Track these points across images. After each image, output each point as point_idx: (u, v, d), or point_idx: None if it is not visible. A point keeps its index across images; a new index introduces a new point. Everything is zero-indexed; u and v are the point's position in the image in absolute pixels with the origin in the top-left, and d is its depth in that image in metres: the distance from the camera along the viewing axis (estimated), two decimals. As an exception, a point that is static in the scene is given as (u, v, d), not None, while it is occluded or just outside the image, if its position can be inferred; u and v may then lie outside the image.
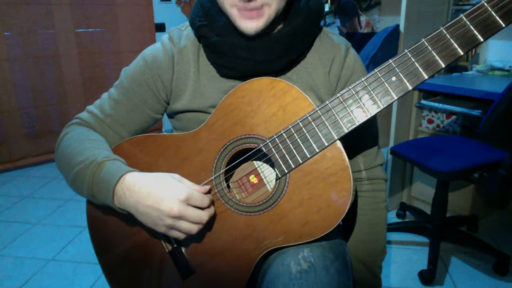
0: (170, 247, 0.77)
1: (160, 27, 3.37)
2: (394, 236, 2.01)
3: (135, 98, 0.81)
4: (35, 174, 2.89)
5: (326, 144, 0.67)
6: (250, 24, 0.70)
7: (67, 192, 2.58)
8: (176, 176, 0.70)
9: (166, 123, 3.51)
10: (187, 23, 0.83)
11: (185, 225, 0.66)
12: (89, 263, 1.85)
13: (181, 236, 0.68)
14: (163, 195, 0.65)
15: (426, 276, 1.67)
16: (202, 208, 0.68)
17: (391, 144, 2.11)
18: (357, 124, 0.66)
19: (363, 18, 2.66)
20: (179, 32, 0.82)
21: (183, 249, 0.76)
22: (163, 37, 0.83)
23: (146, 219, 0.67)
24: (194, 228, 0.67)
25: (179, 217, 0.65)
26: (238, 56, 0.74)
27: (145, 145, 0.79)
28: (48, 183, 2.75)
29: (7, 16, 2.73)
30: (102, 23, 3.13)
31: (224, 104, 0.73)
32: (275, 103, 0.70)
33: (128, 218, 0.73)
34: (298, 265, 0.67)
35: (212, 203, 0.70)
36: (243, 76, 0.76)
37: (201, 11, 0.78)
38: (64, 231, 2.14)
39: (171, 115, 0.86)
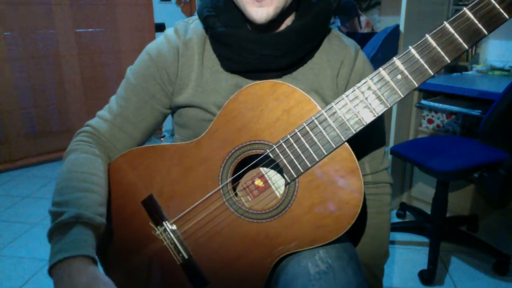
0: (181, 260, 0.75)
1: (160, 27, 3.36)
2: (394, 236, 2.01)
3: (143, 94, 0.80)
4: (35, 174, 2.89)
5: (334, 147, 0.66)
6: (260, 11, 0.69)
7: (67, 192, 2.57)
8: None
9: (166, 123, 3.51)
10: (194, 17, 0.82)
11: None
12: (89, 263, 1.85)
13: None
14: None
15: (426, 276, 1.67)
16: None
17: (391, 144, 2.11)
18: (365, 124, 0.65)
19: (363, 18, 2.66)
20: (186, 25, 0.81)
21: (195, 261, 0.74)
22: (168, 29, 0.81)
23: None
24: None
25: None
26: (244, 49, 0.73)
27: (146, 157, 0.77)
28: (48, 183, 2.74)
29: (7, 16, 2.72)
30: (102, 23, 3.13)
31: (226, 110, 0.71)
32: (278, 107, 0.69)
33: (136, 234, 0.72)
34: (316, 266, 0.66)
35: None
36: (248, 71, 0.76)
37: (209, 2, 0.78)
38: (64, 231, 2.13)
39: (173, 110, 0.85)
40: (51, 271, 0.62)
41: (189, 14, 3.59)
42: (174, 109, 0.84)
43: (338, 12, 2.71)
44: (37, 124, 3.01)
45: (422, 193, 2.18)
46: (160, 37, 0.81)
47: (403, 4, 1.90)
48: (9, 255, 1.92)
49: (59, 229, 0.65)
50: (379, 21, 2.64)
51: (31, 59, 2.88)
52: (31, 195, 2.57)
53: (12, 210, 2.37)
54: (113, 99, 0.83)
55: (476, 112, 1.84)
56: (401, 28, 1.94)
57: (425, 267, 1.72)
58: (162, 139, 3.47)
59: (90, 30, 3.10)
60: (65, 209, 0.66)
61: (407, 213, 2.21)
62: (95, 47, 3.14)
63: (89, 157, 0.77)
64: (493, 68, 2.12)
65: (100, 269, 0.65)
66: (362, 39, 2.40)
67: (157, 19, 3.36)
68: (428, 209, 2.00)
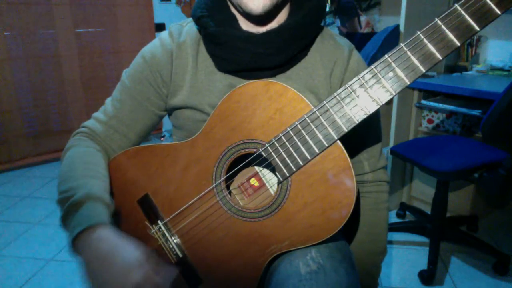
0: (175, 258, 0.75)
1: (160, 27, 3.37)
2: (394, 236, 2.01)
3: (137, 96, 0.81)
4: (35, 174, 2.89)
5: (326, 145, 0.66)
6: (257, 0, 0.68)
7: (67, 192, 2.57)
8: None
9: (166, 123, 3.51)
10: (189, 19, 0.83)
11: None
12: (89, 263, 1.85)
13: None
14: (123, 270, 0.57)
15: (426, 276, 1.67)
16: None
17: (391, 144, 2.11)
18: (357, 122, 0.65)
19: (363, 18, 2.66)
20: (180, 28, 0.82)
21: (190, 259, 0.75)
22: (163, 32, 0.82)
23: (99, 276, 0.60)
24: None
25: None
26: (237, 47, 0.73)
27: (143, 157, 0.77)
28: (48, 183, 2.75)
29: (7, 16, 2.72)
30: (102, 23, 3.13)
31: (220, 110, 0.72)
32: (271, 106, 0.69)
33: (133, 232, 0.72)
34: (307, 266, 0.66)
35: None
36: (242, 70, 0.76)
37: (202, 3, 0.78)
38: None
39: (169, 112, 0.86)
40: (73, 248, 0.62)
41: (189, 14, 3.59)
42: (170, 111, 0.85)
43: (338, 12, 2.71)
44: (37, 124, 3.01)
45: (422, 193, 2.18)
46: (154, 40, 0.82)
47: (403, 4, 1.90)
48: (9, 255, 1.93)
49: (71, 209, 0.65)
50: (379, 21, 2.64)
51: (31, 59, 2.88)
52: (31, 195, 2.57)
53: (12, 210, 2.37)
54: (108, 101, 0.84)
55: (476, 112, 1.83)
56: (401, 28, 1.94)
57: (425, 267, 1.72)
58: (162, 139, 3.48)
59: (90, 30, 3.10)
60: (74, 191, 0.67)
61: (407, 213, 2.21)
62: (95, 47, 3.15)
63: (90, 150, 0.78)
64: (493, 68, 2.12)
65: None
66: (362, 39, 2.41)
67: (157, 19, 3.37)
68: (428, 209, 2.00)
